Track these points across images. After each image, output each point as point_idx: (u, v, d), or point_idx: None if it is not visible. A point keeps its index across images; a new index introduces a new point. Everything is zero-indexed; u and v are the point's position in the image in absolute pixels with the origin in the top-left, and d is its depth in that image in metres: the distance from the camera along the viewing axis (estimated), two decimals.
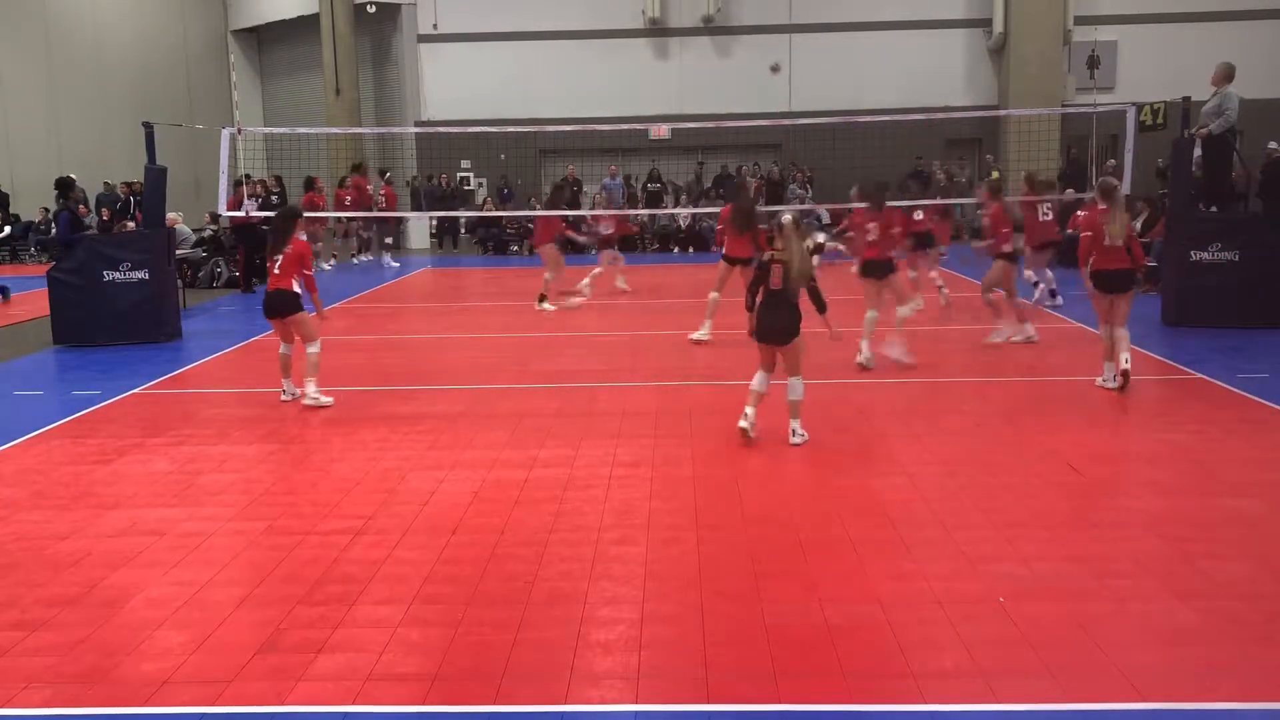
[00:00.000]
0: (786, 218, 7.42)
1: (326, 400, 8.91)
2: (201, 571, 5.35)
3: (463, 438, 7.90)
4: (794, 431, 7.47)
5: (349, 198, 22.83)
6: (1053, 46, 25.08)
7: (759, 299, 7.47)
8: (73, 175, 15.26)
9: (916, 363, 9.96)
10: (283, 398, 9.15)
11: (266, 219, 17.56)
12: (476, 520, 6.04)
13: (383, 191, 23.45)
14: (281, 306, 8.87)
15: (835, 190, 22.27)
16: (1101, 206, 8.92)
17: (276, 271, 8.89)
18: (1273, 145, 17.22)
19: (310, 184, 21.08)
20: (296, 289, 8.87)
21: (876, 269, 10.03)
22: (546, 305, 14.47)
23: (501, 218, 24.25)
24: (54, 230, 14.67)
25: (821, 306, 7.41)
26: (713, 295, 11.76)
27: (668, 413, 8.52)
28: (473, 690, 4.08)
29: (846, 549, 5.48)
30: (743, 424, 7.42)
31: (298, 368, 9.09)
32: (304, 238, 9.15)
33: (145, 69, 28.62)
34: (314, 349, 8.91)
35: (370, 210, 22.34)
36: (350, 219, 22.34)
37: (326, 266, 21.95)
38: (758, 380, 7.52)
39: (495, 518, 6.06)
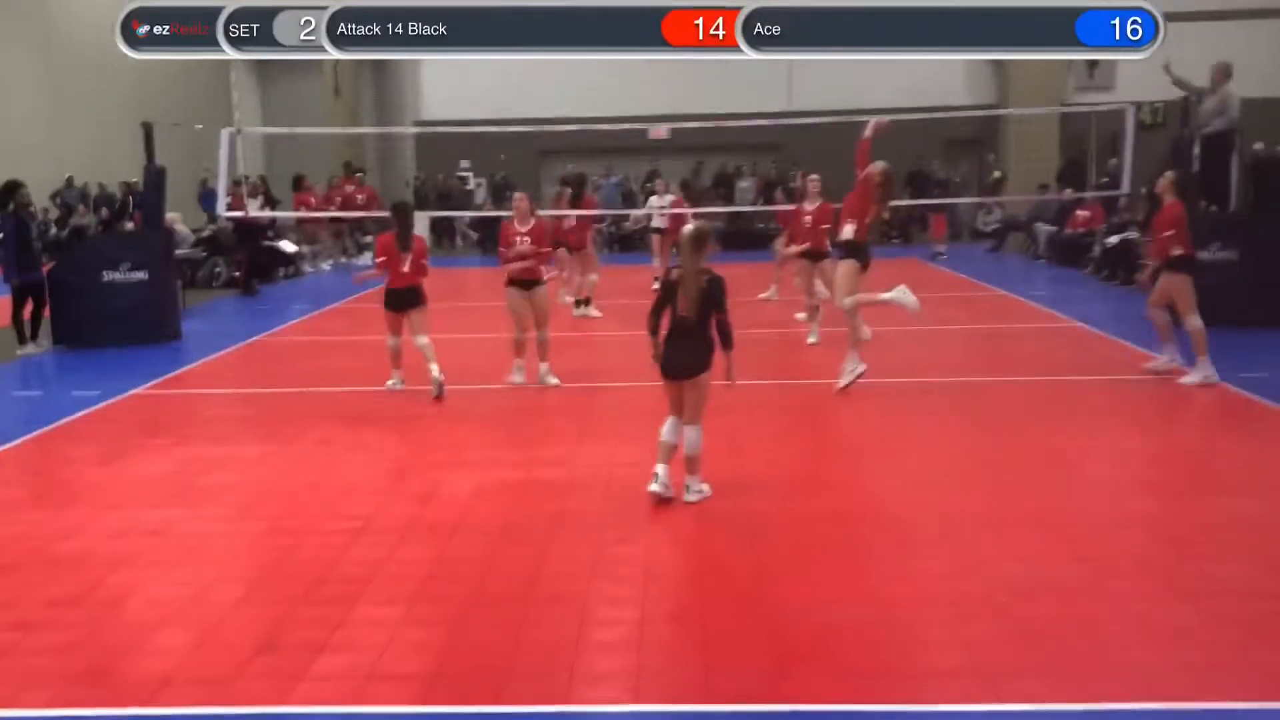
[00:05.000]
0: (688, 228, 6.28)
1: None
2: (202, 571, 5.35)
3: (462, 438, 7.90)
4: (687, 488, 6.23)
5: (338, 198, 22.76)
6: None
7: (665, 327, 6.23)
8: (18, 180, 12.96)
9: None
10: None
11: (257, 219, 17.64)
12: (476, 520, 6.04)
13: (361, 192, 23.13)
14: None
15: (836, 191, 22.23)
16: None
17: None
18: (1258, 146, 17.22)
19: (297, 183, 21.02)
20: None
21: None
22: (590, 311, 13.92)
23: (501, 218, 24.15)
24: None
25: (728, 343, 6.30)
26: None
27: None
28: (473, 690, 4.08)
29: (846, 549, 5.48)
30: (654, 487, 6.15)
31: None
32: None
33: (145, 69, 28.53)
34: None
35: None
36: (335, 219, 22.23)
37: (326, 266, 21.93)
38: (668, 429, 6.30)
39: (495, 518, 6.06)
